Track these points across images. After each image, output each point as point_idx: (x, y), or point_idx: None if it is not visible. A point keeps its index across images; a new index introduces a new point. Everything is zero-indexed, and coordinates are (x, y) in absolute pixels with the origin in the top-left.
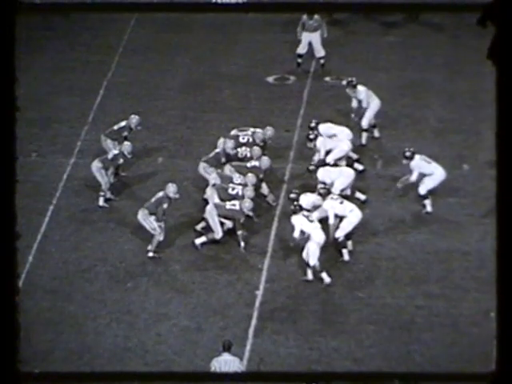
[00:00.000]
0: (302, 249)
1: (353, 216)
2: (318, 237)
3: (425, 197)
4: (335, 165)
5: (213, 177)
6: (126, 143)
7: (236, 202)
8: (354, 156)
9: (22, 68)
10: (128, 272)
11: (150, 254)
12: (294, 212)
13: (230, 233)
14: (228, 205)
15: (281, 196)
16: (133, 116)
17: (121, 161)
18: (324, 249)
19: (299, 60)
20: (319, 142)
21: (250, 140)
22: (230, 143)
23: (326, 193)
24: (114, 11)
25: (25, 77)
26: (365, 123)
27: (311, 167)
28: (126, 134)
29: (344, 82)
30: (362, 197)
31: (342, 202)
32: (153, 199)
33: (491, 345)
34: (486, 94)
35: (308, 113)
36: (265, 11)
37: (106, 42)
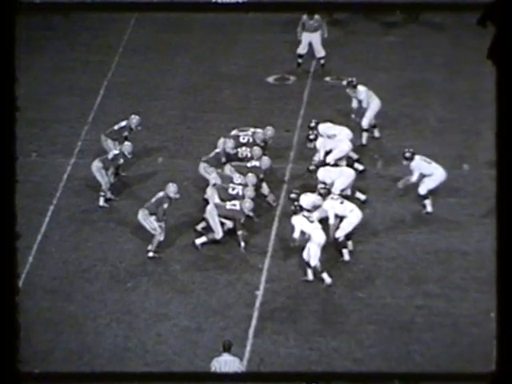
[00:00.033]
0: (303, 249)
1: (353, 216)
2: (318, 237)
3: (425, 197)
4: (335, 165)
5: (213, 177)
6: (127, 143)
7: (236, 202)
8: (355, 156)
9: (22, 68)
10: (128, 272)
11: (150, 254)
12: (295, 212)
13: (230, 233)
14: (228, 205)
15: (281, 196)
16: (133, 116)
17: (121, 161)
18: (324, 249)
19: (299, 60)
20: (319, 143)
21: (251, 140)
22: (230, 143)
23: (326, 193)
24: (114, 11)
25: (25, 77)
26: (365, 123)
27: (311, 167)
28: (126, 134)
29: (344, 82)
30: (362, 197)
31: (342, 202)
32: (153, 199)
33: (491, 345)
34: (486, 94)
35: (308, 113)
36: (265, 11)
37: (106, 42)
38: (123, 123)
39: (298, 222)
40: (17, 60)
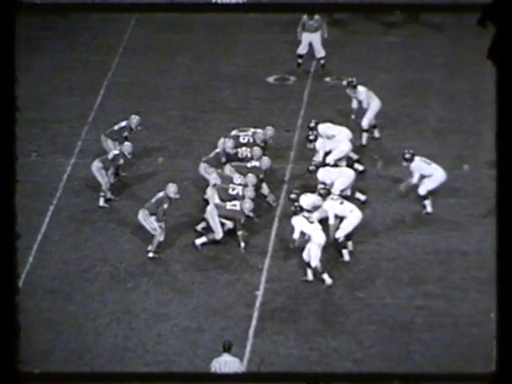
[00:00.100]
0: (303, 249)
1: (353, 216)
2: (318, 238)
3: (425, 197)
4: (335, 165)
5: (213, 177)
6: (127, 143)
7: (236, 203)
8: (354, 156)
9: (22, 68)
10: (128, 272)
11: (151, 255)
12: (295, 213)
13: (230, 233)
14: (228, 205)
15: (281, 196)
16: (133, 116)
17: (121, 161)
18: (324, 249)
19: (299, 60)
20: (318, 144)
21: (251, 140)
22: (230, 143)
23: (326, 193)
24: (113, 11)
25: (25, 77)
26: (365, 123)
27: (311, 167)
28: (126, 134)
29: (344, 83)
30: (362, 197)
31: (342, 203)
32: (153, 199)
33: (491, 345)
34: (486, 93)
35: (308, 113)
36: (265, 11)
37: (106, 42)
38: (123, 123)
39: (298, 223)
40: (17, 60)
